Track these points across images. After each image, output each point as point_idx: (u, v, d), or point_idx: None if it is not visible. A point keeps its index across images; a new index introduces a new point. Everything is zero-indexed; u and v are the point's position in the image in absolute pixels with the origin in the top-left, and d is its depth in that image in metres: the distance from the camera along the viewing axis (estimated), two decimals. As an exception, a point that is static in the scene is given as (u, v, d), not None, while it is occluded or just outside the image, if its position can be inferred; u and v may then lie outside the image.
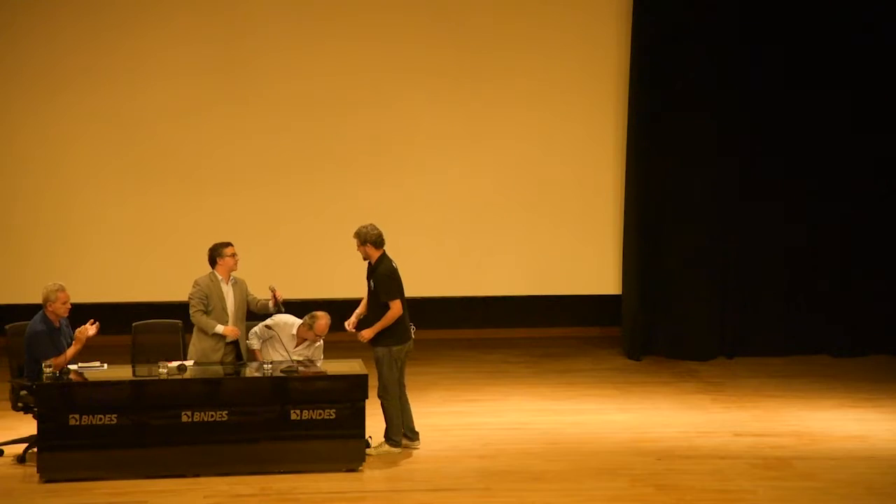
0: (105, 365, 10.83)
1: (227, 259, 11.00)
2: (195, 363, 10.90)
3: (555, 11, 15.23)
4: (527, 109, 15.31)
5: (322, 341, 11.20)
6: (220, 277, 11.00)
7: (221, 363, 10.97)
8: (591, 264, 15.52)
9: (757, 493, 10.08)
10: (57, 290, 10.63)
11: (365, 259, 11.15)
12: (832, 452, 11.18)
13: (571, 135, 15.37)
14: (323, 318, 11.03)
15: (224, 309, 10.96)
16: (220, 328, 10.89)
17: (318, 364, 11.11)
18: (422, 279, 15.18)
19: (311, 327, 11.07)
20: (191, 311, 10.96)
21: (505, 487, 10.20)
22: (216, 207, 15.06)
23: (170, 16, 14.96)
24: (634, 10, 14.93)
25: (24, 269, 14.90)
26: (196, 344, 11.01)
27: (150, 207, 15.00)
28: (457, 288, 15.38)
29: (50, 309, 10.65)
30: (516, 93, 15.28)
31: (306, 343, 11.12)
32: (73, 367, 10.61)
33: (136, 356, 11.37)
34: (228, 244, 11.05)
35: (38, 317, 10.67)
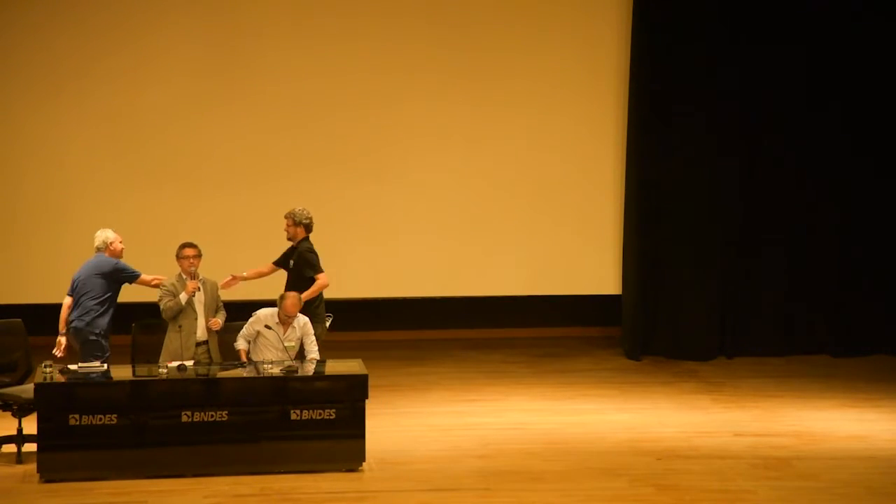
0: (105, 365, 10.85)
1: (181, 260, 11.26)
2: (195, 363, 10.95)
3: (555, 11, 15.23)
4: (527, 109, 15.30)
5: (306, 318, 11.23)
6: (184, 277, 11.20)
7: (215, 362, 11.05)
8: (591, 264, 15.51)
9: (757, 493, 10.07)
10: (115, 233, 11.41)
11: (290, 239, 11.94)
12: (832, 452, 11.18)
13: (571, 134, 15.36)
14: (288, 298, 11.15)
15: (192, 306, 11.14)
16: (183, 295, 11.10)
17: (311, 338, 11.16)
18: (422, 279, 15.21)
19: (282, 308, 11.21)
20: (161, 308, 11.16)
21: (505, 487, 10.20)
22: (216, 207, 15.06)
23: (170, 16, 14.95)
24: (634, 11, 14.93)
25: (24, 269, 14.90)
26: (167, 346, 11.13)
27: (151, 208, 14.99)
28: (457, 288, 15.37)
29: (111, 249, 11.35)
30: (516, 93, 15.28)
31: (290, 326, 11.16)
32: (73, 366, 10.64)
33: (136, 356, 11.39)
34: (186, 245, 11.29)
35: (101, 255, 11.34)
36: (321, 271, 11.82)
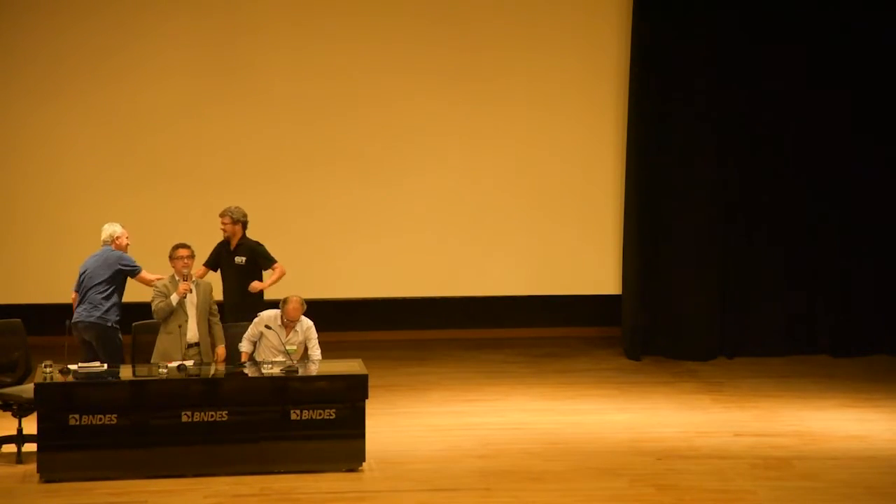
0: (105, 365, 10.85)
1: (175, 261, 11.28)
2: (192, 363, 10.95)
3: (555, 11, 15.23)
4: (527, 109, 15.30)
5: (310, 322, 11.21)
6: (177, 278, 11.22)
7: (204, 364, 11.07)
8: (591, 264, 15.51)
9: (757, 494, 10.07)
10: (122, 228, 11.76)
11: (228, 237, 12.39)
12: (832, 452, 11.18)
13: (571, 135, 15.36)
14: (290, 302, 11.10)
15: (184, 308, 11.15)
16: (174, 296, 11.11)
17: (314, 341, 11.13)
18: (422, 279, 15.20)
19: (284, 312, 11.16)
20: (153, 309, 11.16)
21: (505, 487, 10.20)
22: (216, 208, 14.98)
23: (170, 16, 14.95)
24: (634, 10, 14.93)
25: (24, 269, 14.90)
26: (158, 346, 11.16)
27: (150, 207, 14.99)
28: (457, 288, 15.37)
29: (117, 243, 11.56)
30: (516, 93, 15.28)
31: (294, 329, 11.14)
32: (73, 366, 10.63)
33: (136, 356, 11.39)
34: (180, 246, 11.31)
35: (107, 248, 11.58)
36: (276, 261, 12.27)
